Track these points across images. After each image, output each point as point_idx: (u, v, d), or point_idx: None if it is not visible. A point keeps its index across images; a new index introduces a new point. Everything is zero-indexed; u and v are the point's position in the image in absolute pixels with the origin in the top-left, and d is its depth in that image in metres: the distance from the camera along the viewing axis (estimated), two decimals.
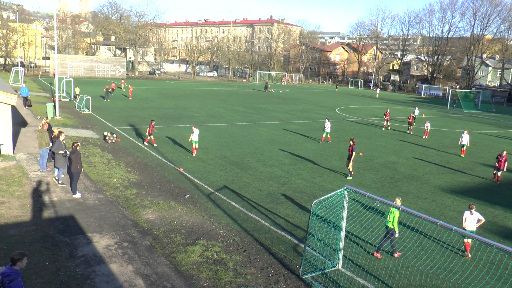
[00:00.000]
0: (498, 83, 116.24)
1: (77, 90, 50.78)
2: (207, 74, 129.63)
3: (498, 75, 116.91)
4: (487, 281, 12.22)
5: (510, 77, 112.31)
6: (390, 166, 26.02)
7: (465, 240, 13.82)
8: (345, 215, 12.44)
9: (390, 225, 13.26)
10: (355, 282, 11.91)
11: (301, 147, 29.99)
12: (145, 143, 27.53)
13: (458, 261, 13.45)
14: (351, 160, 22.41)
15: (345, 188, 12.15)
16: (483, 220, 14.10)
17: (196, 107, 49.50)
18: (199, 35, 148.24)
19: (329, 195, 12.17)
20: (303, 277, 11.89)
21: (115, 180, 19.48)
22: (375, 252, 13.47)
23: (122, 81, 68.07)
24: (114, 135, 28.01)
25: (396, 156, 29.20)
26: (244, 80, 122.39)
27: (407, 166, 26.50)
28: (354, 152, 22.40)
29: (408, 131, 40.02)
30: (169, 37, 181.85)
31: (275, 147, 29.44)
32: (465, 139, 29.89)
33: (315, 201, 12.24)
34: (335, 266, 12.61)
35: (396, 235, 13.46)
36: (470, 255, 13.93)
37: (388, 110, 42.48)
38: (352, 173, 22.77)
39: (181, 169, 22.16)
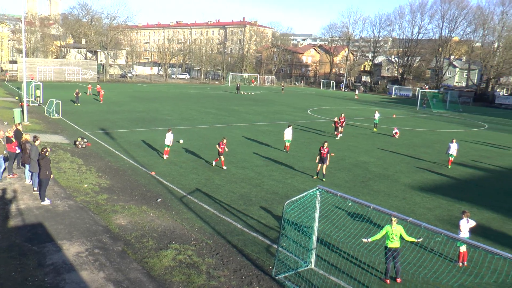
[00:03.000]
0: (465, 83, 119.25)
1: (38, 93, 50.21)
2: (179, 77, 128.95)
3: (464, 76, 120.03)
4: (459, 277, 12.50)
5: (476, 78, 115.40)
6: (362, 166, 26.36)
7: (460, 249, 13.56)
8: (317, 215, 12.55)
9: (393, 245, 12.02)
10: (328, 280, 12.02)
11: (273, 148, 30.11)
12: (214, 162, 24.51)
13: (426, 256, 13.72)
14: (326, 164, 22.39)
15: (317, 188, 12.26)
16: (475, 224, 13.96)
17: (169, 110, 49.18)
18: (171, 37, 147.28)
19: (301, 195, 12.27)
20: (277, 277, 11.94)
21: (85, 185, 19.18)
22: (385, 279, 12.24)
23: (89, 85, 66.62)
24: (85, 140, 27.57)
25: (367, 155, 29.60)
26: (216, 82, 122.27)
27: (378, 165, 26.89)
28: (328, 155, 22.44)
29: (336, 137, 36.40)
30: (141, 39, 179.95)
31: (248, 149, 29.49)
32: (453, 148, 27.38)
33: (287, 202, 12.31)
34: (308, 266, 12.70)
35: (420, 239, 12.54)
36: (465, 265, 13.54)
37: (343, 115, 38.11)
38: (316, 176, 22.89)
39: (153, 173, 21.97)
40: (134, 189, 19.35)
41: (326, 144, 22.44)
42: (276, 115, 50.22)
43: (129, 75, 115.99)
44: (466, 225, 13.30)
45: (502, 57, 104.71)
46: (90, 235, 13.98)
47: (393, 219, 11.74)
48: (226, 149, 24.08)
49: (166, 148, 25.37)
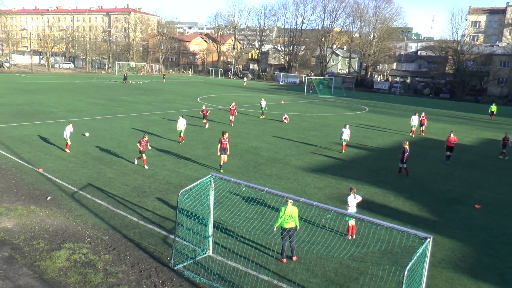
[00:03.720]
0: (347, 70, 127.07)
1: None
2: (63, 66, 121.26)
3: (346, 63, 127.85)
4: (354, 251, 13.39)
5: (356, 65, 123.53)
6: (253, 151, 26.99)
7: (349, 223, 14.57)
8: (212, 202, 12.66)
9: (288, 225, 12.47)
10: (226, 265, 12.23)
11: (164, 138, 29.68)
12: (136, 161, 22.73)
13: (319, 233, 14.51)
14: (220, 153, 21.70)
15: (210, 175, 12.36)
16: (361, 199, 15.05)
17: (54, 102, 46.15)
18: (51, 23, 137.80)
19: (195, 183, 12.28)
20: (175, 267, 11.89)
21: None
22: (281, 258, 12.72)
23: None
24: None
25: (258, 141, 30.36)
26: (103, 72, 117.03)
27: (269, 150, 27.73)
28: (227, 146, 21.80)
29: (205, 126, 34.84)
30: (17, 25, 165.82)
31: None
32: (346, 133, 27.77)
33: (181, 191, 12.25)
34: (205, 253, 12.80)
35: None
36: (354, 237, 14.56)
37: (233, 103, 37.61)
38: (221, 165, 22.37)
39: (40, 170, 20.54)
40: (20, 188, 17.96)
41: (226, 134, 21.90)
42: (166, 104, 49.45)
43: (6, 64, 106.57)
44: (353, 200, 14.37)
45: (377, 46, 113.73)
46: None
47: (289, 200, 12.11)
48: (149, 147, 22.88)
49: (69, 142, 24.37)
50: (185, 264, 12.14)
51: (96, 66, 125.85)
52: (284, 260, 12.60)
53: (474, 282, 12.26)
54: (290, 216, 12.34)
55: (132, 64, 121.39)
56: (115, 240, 13.48)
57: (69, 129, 24.23)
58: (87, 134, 28.73)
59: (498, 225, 16.92)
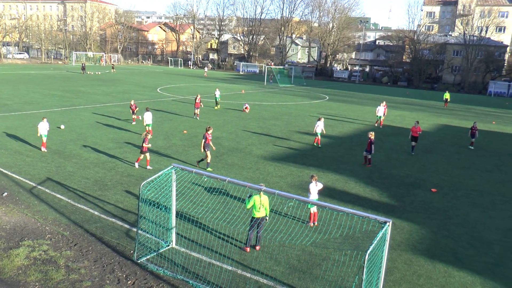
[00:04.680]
0: (307, 59, 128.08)
1: None
2: (16, 56, 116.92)
3: (306, 53, 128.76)
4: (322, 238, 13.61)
5: (316, 55, 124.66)
6: (215, 141, 26.85)
7: (311, 210, 14.81)
8: (174, 193, 12.59)
9: (259, 214, 12.48)
10: (190, 257, 12.22)
11: (125, 129, 29.20)
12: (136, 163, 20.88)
13: (281, 221, 14.69)
14: (206, 149, 20.76)
15: (172, 166, 12.27)
16: (322, 187, 15.24)
17: (7, 94, 44.52)
18: (2, 11, 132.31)
19: (156, 175, 12.17)
20: (139, 261, 11.79)
21: None
22: (245, 247, 12.79)
23: None
24: None
25: (219, 131, 30.29)
26: (59, 62, 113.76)
27: (231, 139, 27.74)
28: (210, 142, 20.85)
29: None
30: None
31: (99, 131, 28.17)
32: (320, 126, 27.00)
33: (143, 183, 12.12)
34: (169, 245, 12.75)
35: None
36: (316, 224, 14.81)
37: (199, 96, 35.75)
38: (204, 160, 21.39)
39: None
40: None
41: (211, 130, 21.09)
42: (126, 95, 48.56)
43: None
44: (315, 188, 14.55)
45: (337, 36, 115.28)
46: None
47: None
48: (149, 145, 20.52)
49: (44, 140, 22.78)
50: (148, 257, 12.06)
51: (52, 57, 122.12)
52: (248, 249, 12.69)
53: (430, 262, 12.73)
54: (261, 205, 12.41)
55: (90, 54, 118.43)
56: (76, 235, 13.22)
57: (44, 125, 22.72)
58: (62, 127, 28.06)
59: (453, 207, 17.59)
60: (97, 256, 12.00)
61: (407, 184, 20.41)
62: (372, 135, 22.76)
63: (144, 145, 20.13)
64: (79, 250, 12.30)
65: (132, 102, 32.38)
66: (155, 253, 12.27)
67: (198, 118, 34.87)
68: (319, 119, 27.49)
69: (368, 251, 8.49)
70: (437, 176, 22.19)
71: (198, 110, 35.39)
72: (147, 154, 20.49)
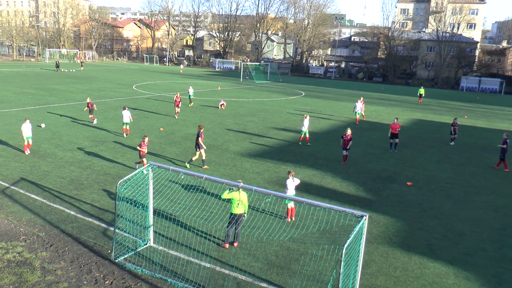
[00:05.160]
0: (283, 56, 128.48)
1: None
2: None
3: (282, 49, 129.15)
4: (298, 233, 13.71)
5: (292, 51, 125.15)
6: (191, 138, 26.79)
7: (288, 206, 14.90)
8: (151, 191, 12.51)
9: (238, 211, 12.48)
10: (168, 255, 12.18)
11: (101, 127, 28.83)
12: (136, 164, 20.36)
13: (259, 217, 14.74)
14: (202, 149, 20.58)
15: (148, 164, 12.21)
16: (299, 182, 15.35)
17: None
18: None
19: (133, 173, 12.08)
20: (116, 260, 11.69)
21: None
22: (224, 244, 12.80)
23: None
24: None
25: (196, 128, 30.02)
26: (32, 59, 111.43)
27: (207, 136, 27.64)
28: (200, 139, 20.49)
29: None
30: None
31: (74, 130, 27.76)
32: (306, 124, 26.21)
33: (120, 181, 12.01)
34: (146, 244, 12.68)
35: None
36: (293, 219, 14.92)
37: (178, 94, 35.24)
38: (203, 161, 20.94)
39: None
40: None
41: (203, 129, 20.97)
42: (101, 93, 47.93)
43: None
44: (292, 183, 14.66)
45: (312, 32, 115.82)
46: None
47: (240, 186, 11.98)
48: (144, 149, 19.40)
49: (26, 143, 21.71)
50: (126, 256, 11.97)
51: (24, 54, 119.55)
52: (227, 245, 12.72)
53: (406, 254, 12.97)
54: (240, 202, 12.42)
55: (64, 51, 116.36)
56: (52, 236, 13.03)
57: (28, 127, 21.58)
58: (43, 125, 27.57)
59: (427, 200, 17.94)
60: (74, 257, 11.86)
61: (383, 178, 20.71)
62: (349, 132, 22.47)
63: (138, 148, 19.45)
64: (55, 251, 12.14)
65: (88, 100, 31.05)
66: (132, 252, 12.19)
67: (176, 116, 34.16)
68: (305, 117, 26.68)
69: (345, 245, 8.61)
70: (412, 170, 22.57)
71: (179, 108, 34.53)
72: (145, 159, 19.43)
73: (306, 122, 26.40)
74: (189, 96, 41.15)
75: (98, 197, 16.29)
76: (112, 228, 13.32)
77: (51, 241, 12.69)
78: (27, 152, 21.64)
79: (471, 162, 25.02)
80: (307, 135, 26.67)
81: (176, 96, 34.58)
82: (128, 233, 13.13)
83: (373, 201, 17.54)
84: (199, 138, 20.43)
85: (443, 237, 14.39)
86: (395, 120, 26.36)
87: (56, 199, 15.94)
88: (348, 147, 22.65)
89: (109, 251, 12.18)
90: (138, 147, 19.53)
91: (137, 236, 13.02)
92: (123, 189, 12.50)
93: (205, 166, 20.80)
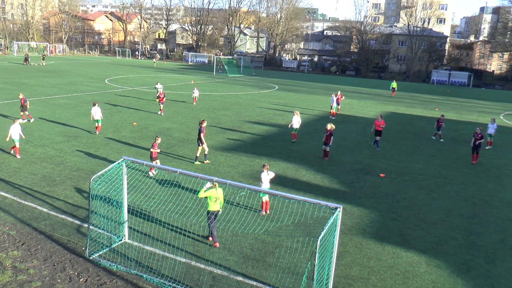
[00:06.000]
0: (256, 50, 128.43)
1: None
2: None
3: (254, 43, 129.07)
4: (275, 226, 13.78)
5: (264, 45, 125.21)
6: (165, 133, 26.64)
7: (263, 199, 14.93)
8: (125, 186, 12.39)
9: (215, 208, 12.33)
10: (143, 251, 12.11)
11: (73, 122, 28.32)
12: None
13: (234, 211, 14.77)
14: (202, 143, 20.49)
15: (122, 159, 12.08)
16: (274, 175, 15.34)
17: None
18: None
19: (107, 168, 11.94)
20: (91, 257, 11.55)
21: None
22: (215, 243, 12.53)
23: None
24: None
25: (169, 122, 29.99)
26: None
27: (181, 130, 27.52)
28: (202, 134, 20.38)
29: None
30: None
31: (45, 125, 27.21)
32: (295, 121, 25.62)
33: (93, 177, 11.86)
34: (121, 240, 12.57)
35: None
36: (268, 213, 14.98)
37: (162, 90, 34.60)
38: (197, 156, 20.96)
39: None
40: None
41: (205, 123, 20.78)
42: (72, 87, 47.04)
43: None
44: (266, 177, 14.72)
45: (285, 26, 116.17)
46: None
47: (215, 183, 11.91)
48: (158, 150, 18.67)
49: (16, 145, 20.25)
50: (100, 253, 11.85)
51: None
52: (217, 244, 12.45)
53: (380, 245, 13.21)
54: (217, 199, 12.27)
55: (33, 44, 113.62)
56: (24, 234, 12.78)
57: (17, 128, 20.18)
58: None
59: (400, 191, 18.28)
60: (47, 255, 11.67)
61: (356, 170, 20.99)
62: (331, 127, 22.38)
63: (152, 150, 18.30)
64: (27, 249, 11.91)
65: (21, 96, 28.48)
66: (107, 249, 12.07)
67: (162, 113, 32.76)
68: (294, 114, 25.92)
69: (320, 237, 8.71)
70: (385, 161, 22.94)
71: (162, 105, 33.37)
72: (158, 161, 18.46)
73: (296, 119, 25.62)
74: (157, 91, 38.01)
75: (72, 194, 16.05)
76: (86, 225, 13.16)
77: (22, 239, 12.44)
78: (18, 156, 20.05)
79: (442, 154, 25.57)
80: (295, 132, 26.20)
81: (160, 92, 33.60)
82: (103, 229, 12.99)
83: (347, 193, 17.77)
84: (201, 134, 20.30)
85: (415, 227, 14.71)
86: (379, 116, 25.45)
87: (28, 196, 15.62)
88: (330, 142, 22.39)
89: (83, 248, 12.03)
90: (151, 149, 18.29)
91: (111, 232, 12.89)
92: (96, 185, 12.34)
93: (207, 161, 20.87)
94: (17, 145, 20.13)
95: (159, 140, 18.70)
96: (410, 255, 12.67)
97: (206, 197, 12.36)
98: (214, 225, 12.50)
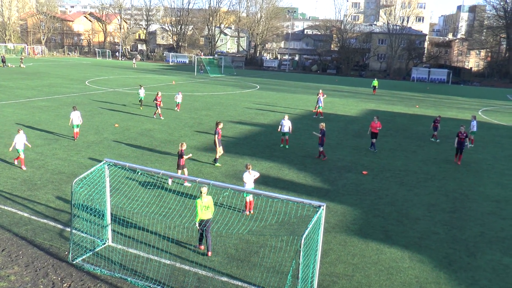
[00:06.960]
0: (236, 49, 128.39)
1: None
2: None
3: (235, 42, 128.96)
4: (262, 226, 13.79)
5: (245, 44, 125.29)
6: (147, 134, 26.47)
7: (247, 199, 14.91)
8: (108, 189, 12.27)
9: (206, 216, 11.91)
10: (127, 253, 12.02)
11: (53, 125, 27.95)
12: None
13: (217, 211, 14.75)
14: (218, 146, 20.57)
15: (104, 162, 11.96)
16: (258, 175, 15.30)
17: None
18: None
19: (89, 171, 11.81)
20: (74, 262, 11.41)
21: None
22: (208, 252, 12.16)
23: None
24: None
25: (151, 123, 29.80)
26: None
27: (163, 131, 27.38)
28: (216, 136, 20.48)
29: None
30: None
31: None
32: (287, 125, 24.52)
33: (75, 180, 11.72)
34: (105, 243, 12.45)
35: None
36: (252, 212, 14.96)
37: (159, 93, 32.51)
38: (217, 158, 20.98)
39: None
40: None
41: (221, 125, 20.78)
42: (52, 89, 46.40)
43: None
44: (249, 176, 14.71)
45: (265, 25, 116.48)
46: None
47: (202, 191, 11.76)
48: (190, 155, 18.75)
49: (21, 155, 19.08)
50: (84, 257, 11.72)
51: None
52: (210, 253, 12.09)
53: (363, 241, 13.33)
54: (206, 207, 11.87)
55: (10, 46, 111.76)
56: (4, 240, 12.56)
57: (22, 138, 19.09)
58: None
59: (382, 188, 18.47)
60: (29, 261, 11.49)
61: (339, 168, 21.14)
62: (323, 126, 22.26)
63: (185, 157, 17.39)
64: (8, 255, 11.71)
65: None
66: (91, 253, 11.95)
67: (161, 117, 31.90)
68: (284, 118, 25.05)
69: (304, 236, 8.75)
70: (367, 159, 23.14)
71: (159, 109, 32.02)
72: (185, 170, 17.61)
73: (287, 123, 24.67)
74: (140, 98, 36.17)
75: (53, 198, 15.84)
76: (68, 229, 13.00)
77: (3, 245, 12.23)
78: (24, 167, 18.98)
79: (423, 150, 25.89)
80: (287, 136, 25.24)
81: (157, 95, 32.03)
82: (86, 233, 12.84)
83: (330, 191, 17.88)
84: (216, 136, 20.34)
85: (398, 223, 14.87)
86: (375, 118, 24.70)
87: (7, 201, 15.36)
88: (322, 142, 22.26)
89: (66, 252, 11.88)
90: (185, 157, 17.42)
91: (95, 236, 12.76)
92: (79, 188, 12.21)
93: (218, 164, 20.77)
94: (22, 156, 18.99)
95: (184, 146, 17.57)
96: (393, 251, 12.82)
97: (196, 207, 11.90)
98: (209, 232, 12.07)
